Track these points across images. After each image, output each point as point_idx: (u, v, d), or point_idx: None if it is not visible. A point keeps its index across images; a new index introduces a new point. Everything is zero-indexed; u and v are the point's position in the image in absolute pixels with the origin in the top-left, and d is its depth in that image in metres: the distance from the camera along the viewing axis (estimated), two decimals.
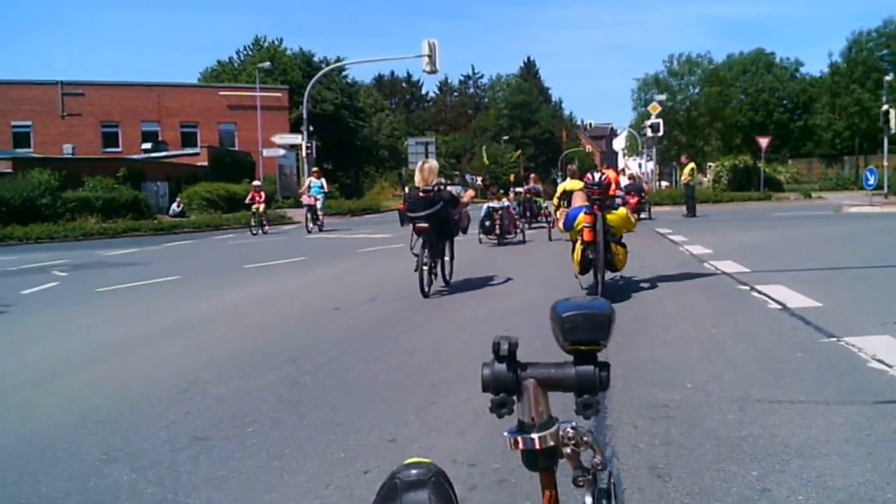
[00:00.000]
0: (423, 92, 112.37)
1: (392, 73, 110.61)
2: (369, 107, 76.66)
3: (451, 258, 11.14)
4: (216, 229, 30.25)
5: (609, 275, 9.85)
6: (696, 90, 62.94)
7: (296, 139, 40.08)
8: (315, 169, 30.11)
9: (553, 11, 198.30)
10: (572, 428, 1.12)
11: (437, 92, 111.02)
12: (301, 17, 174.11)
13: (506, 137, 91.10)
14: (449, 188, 11.34)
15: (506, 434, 1.14)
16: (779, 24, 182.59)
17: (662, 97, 48.59)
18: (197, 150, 49.64)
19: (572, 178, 15.29)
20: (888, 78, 37.64)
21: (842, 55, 58.73)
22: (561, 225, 10.20)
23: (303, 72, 68.26)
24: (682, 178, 29.03)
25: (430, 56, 34.72)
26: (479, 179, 74.27)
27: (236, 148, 56.70)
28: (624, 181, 26.22)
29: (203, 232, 29.99)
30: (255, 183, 29.11)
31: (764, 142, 44.74)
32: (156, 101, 56.46)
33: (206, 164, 47.39)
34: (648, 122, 41.18)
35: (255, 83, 57.52)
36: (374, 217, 40.07)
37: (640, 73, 67.64)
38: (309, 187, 27.46)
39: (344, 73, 71.96)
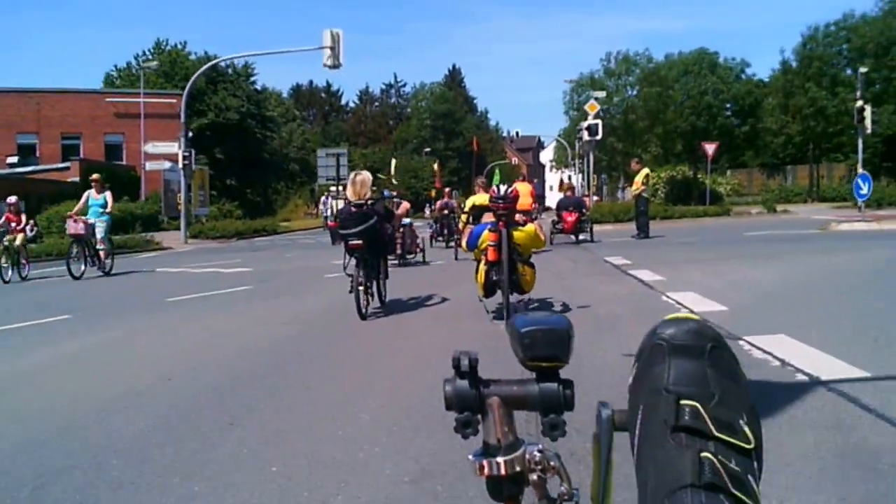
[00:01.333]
0: (343, 102, 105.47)
1: (311, 82, 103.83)
2: (280, 115, 69.74)
3: (386, 277, 10.14)
4: (58, 258, 22.75)
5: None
6: (634, 91, 56.15)
7: (171, 147, 33.02)
8: (95, 177, 18.57)
9: (478, 25, 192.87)
10: (539, 451, 0.99)
11: (357, 102, 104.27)
12: (217, 32, 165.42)
13: (427, 149, 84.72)
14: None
15: (471, 458, 1.01)
16: (713, 37, 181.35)
17: (601, 94, 41.84)
18: (67, 164, 42.20)
19: (482, 191, 13.28)
20: (862, 70, 32.11)
21: (795, 52, 52.35)
22: (465, 243, 9.39)
23: (207, 77, 61.34)
24: (634, 187, 22.65)
25: (332, 48, 28.77)
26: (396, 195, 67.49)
27: (124, 162, 49.52)
28: (556, 196, 21.27)
29: (43, 262, 22.93)
30: (10, 199, 18.49)
31: (710, 148, 39.38)
32: (34, 109, 48.91)
33: (77, 179, 40.22)
34: (585, 124, 33.91)
35: (151, 89, 50.91)
36: (263, 241, 33.29)
37: (574, 75, 61.52)
38: (85, 207, 17.85)
39: (252, 80, 65.05)
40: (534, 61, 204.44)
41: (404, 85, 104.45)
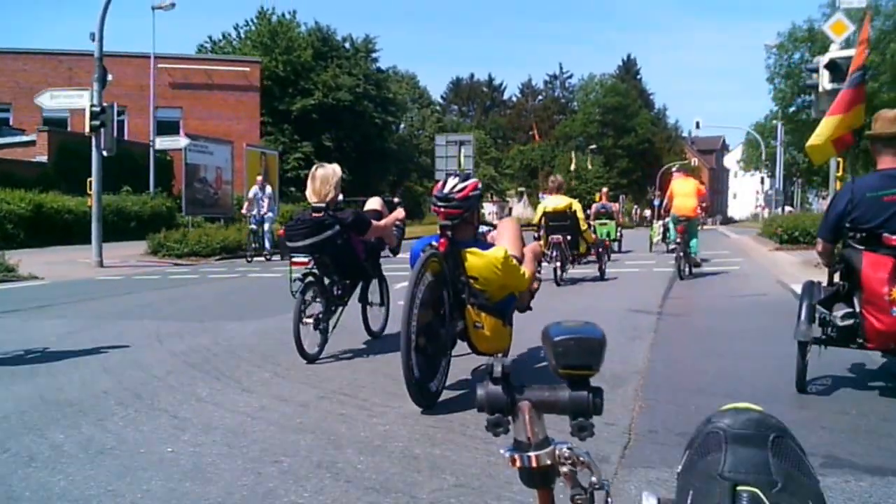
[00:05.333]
0: (506, 97, 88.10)
1: (472, 76, 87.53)
2: (413, 101, 53.38)
3: (384, 304, 6.63)
4: None
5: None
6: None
7: (79, 98, 16.74)
8: None
9: (660, 33, 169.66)
10: (568, 448, 1.02)
11: (519, 95, 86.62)
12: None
13: (593, 146, 66.26)
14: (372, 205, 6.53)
15: (503, 451, 1.05)
16: None
17: (861, 3, 19.19)
18: (32, 136, 26.71)
19: (558, 192, 10.53)
20: None
21: None
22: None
23: (315, 51, 45.93)
24: None
25: None
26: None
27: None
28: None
29: None
30: None
31: None
32: (66, 75, 34.49)
33: (45, 158, 25.15)
34: (825, 58, 13.10)
35: (252, 61, 36.41)
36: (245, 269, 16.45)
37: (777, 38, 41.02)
38: None
39: (374, 56, 49.23)
40: (720, 71, 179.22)
41: (570, 76, 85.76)
